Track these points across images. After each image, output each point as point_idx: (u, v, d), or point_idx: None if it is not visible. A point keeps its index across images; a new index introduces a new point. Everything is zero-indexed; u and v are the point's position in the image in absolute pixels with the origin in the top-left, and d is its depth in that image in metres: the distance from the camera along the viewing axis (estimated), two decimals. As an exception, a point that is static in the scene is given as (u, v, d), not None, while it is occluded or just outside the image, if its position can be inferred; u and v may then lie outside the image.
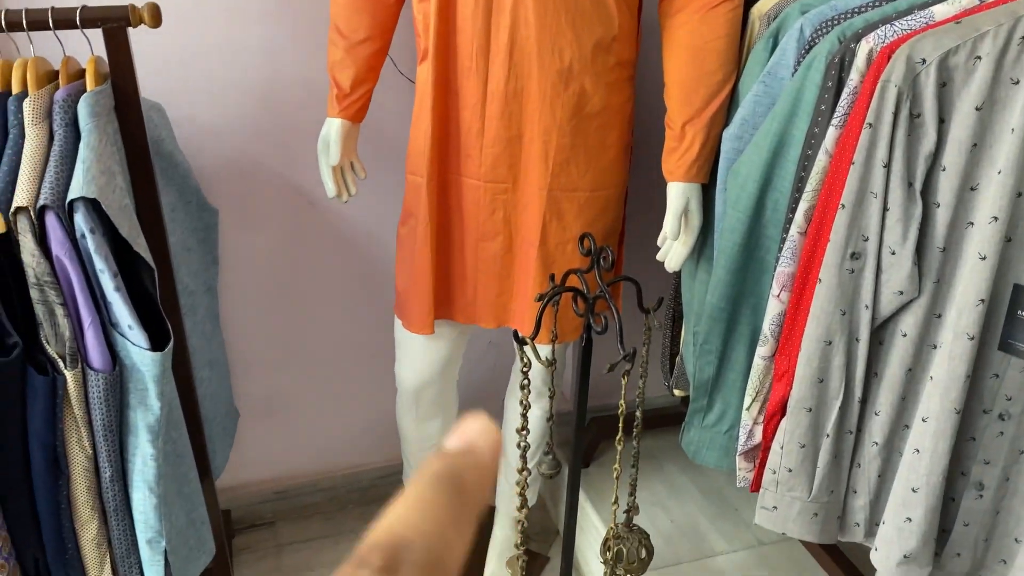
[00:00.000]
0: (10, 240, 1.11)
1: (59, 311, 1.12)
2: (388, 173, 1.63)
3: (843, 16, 1.10)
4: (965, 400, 1.03)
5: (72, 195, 1.08)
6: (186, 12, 1.48)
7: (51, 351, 1.14)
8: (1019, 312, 1.01)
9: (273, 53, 1.56)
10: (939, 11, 1.00)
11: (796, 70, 1.14)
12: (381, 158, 1.62)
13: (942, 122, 0.98)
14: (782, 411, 1.16)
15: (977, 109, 0.95)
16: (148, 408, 1.20)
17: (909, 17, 1.01)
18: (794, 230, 1.11)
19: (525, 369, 1.11)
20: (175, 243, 1.41)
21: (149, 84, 1.35)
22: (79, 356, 1.15)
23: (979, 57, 0.94)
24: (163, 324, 1.21)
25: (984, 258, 0.98)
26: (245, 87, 1.57)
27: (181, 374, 1.32)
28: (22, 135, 1.14)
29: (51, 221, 1.09)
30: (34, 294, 1.11)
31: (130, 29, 1.20)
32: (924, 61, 0.95)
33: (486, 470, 0.26)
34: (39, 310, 1.12)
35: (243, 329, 1.77)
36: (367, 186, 1.59)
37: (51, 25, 1.16)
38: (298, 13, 1.54)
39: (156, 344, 1.18)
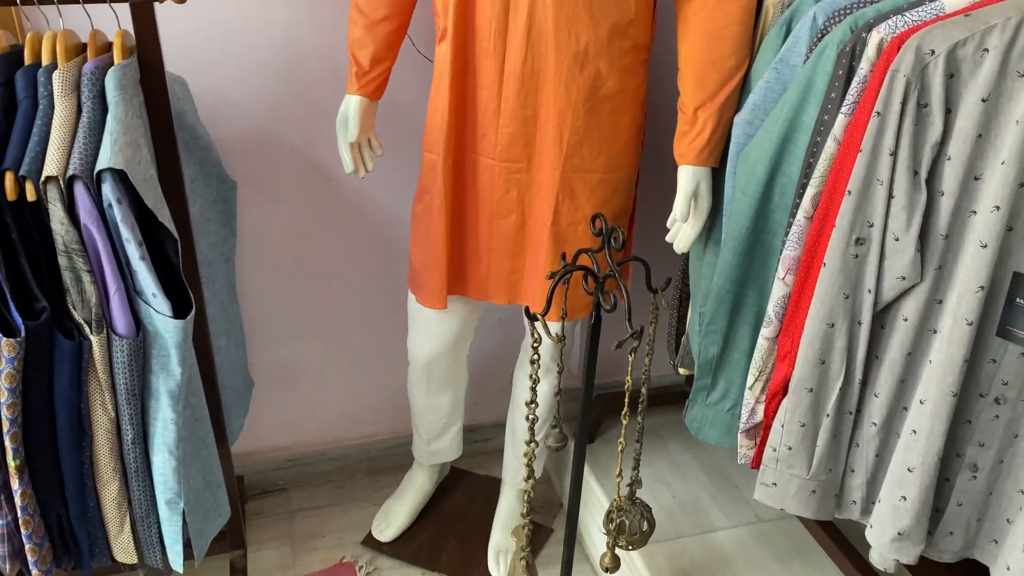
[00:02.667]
0: (39, 208, 1.14)
1: (86, 278, 1.16)
2: (404, 149, 1.66)
3: (856, 5, 1.12)
4: (962, 384, 1.06)
5: (100, 166, 1.12)
6: (210, -13, 1.51)
7: (77, 316, 1.18)
8: (1018, 299, 1.04)
9: (294, 29, 1.59)
10: (949, 3, 1.02)
11: (808, 57, 1.16)
12: (397, 135, 1.64)
13: (948, 112, 1.00)
14: (784, 391, 1.19)
15: (983, 100, 0.97)
16: (170, 374, 1.24)
17: (920, 8, 1.03)
18: (801, 215, 1.14)
19: (535, 345, 1.15)
20: (195, 214, 1.45)
21: (173, 58, 1.38)
22: (104, 322, 1.19)
23: (987, 49, 0.96)
24: (185, 293, 1.25)
25: (985, 246, 1.00)
26: (266, 62, 1.60)
27: (200, 342, 1.36)
28: (51, 106, 1.17)
29: (80, 191, 1.13)
30: (62, 261, 1.15)
31: (156, 4, 1.23)
32: (933, 52, 0.97)
33: None
34: (67, 277, 1.16)
35: (259, 300, 1.81)
36: (383, 162, 1.62)
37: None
38: (319, -7, 1.57)
39: (178, 312, 1.21)
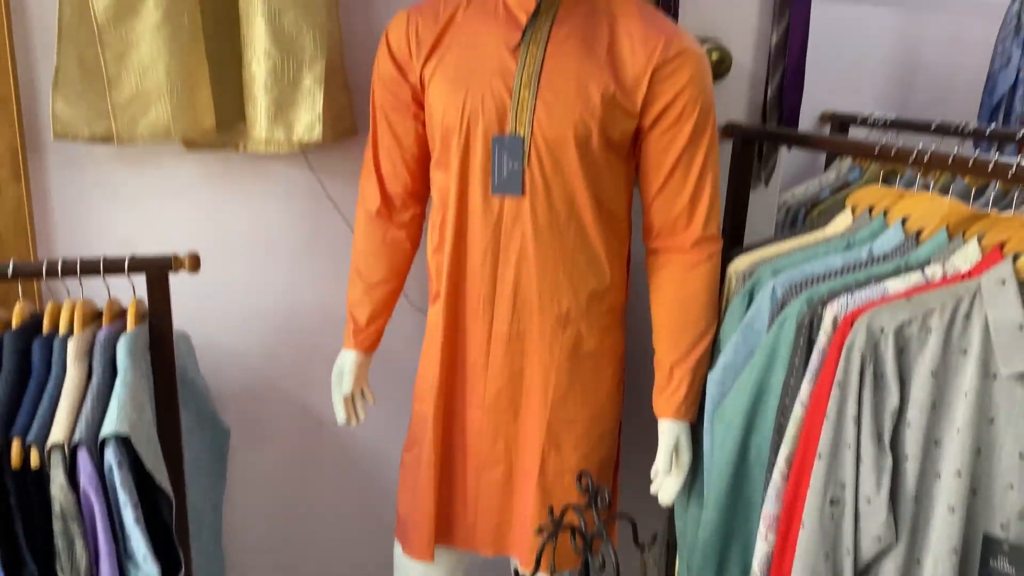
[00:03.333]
0: (41, 473, 1.18)
1: (78, 543, 1.17)
2: (395, 397, 1.72)
3: (810, 281, 1.24)
4: (949, 647, 1.07)
5: (105, 431, 1.17)
6: (220, 249, 1.63)
7: (64, 581, 1.17)
8: (991, 560, 1.07)
9: (295, 285, 1.71)
10: (892, 286, 1.14)
11: (771, 324, 1.27)
12: (389, 383, 1.72)
13: (903, 383, 1.09)
14: (775, 652, 1.19)
15: (932, 374, 1.06)
16: (152, 638, 1.21)
17: (867, 289, 1.15)
18: (776, 474, 1.19)
19: (525, 607, 1.15)
20: (188, 462, 1.48)
21: (178, 314, 1.47)
22: (92, 587, 1.18)
23: (930, 329, 1.06)
24: (173, 552, 1.25)
25: (953, 510, 1.05)
26: (267, 316, 1.70)
27: (184, 601, 1.34)
28: (63, 372, 1.24)
29: (83, 457, 1.17)
30: (56, 526, 1.16)
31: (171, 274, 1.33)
32: (883, 330, 1.08)
33: None
34: (59, 541, 1.17)
35: (244, 546, 1.79)
36: (374, 410, 1.68)
37: (102, 271, 1.29)
38: (322, 253, 1.70)
39: (166, 570, 1.21)
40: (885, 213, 1.28)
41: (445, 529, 1.50)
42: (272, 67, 1.44)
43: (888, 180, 1.66)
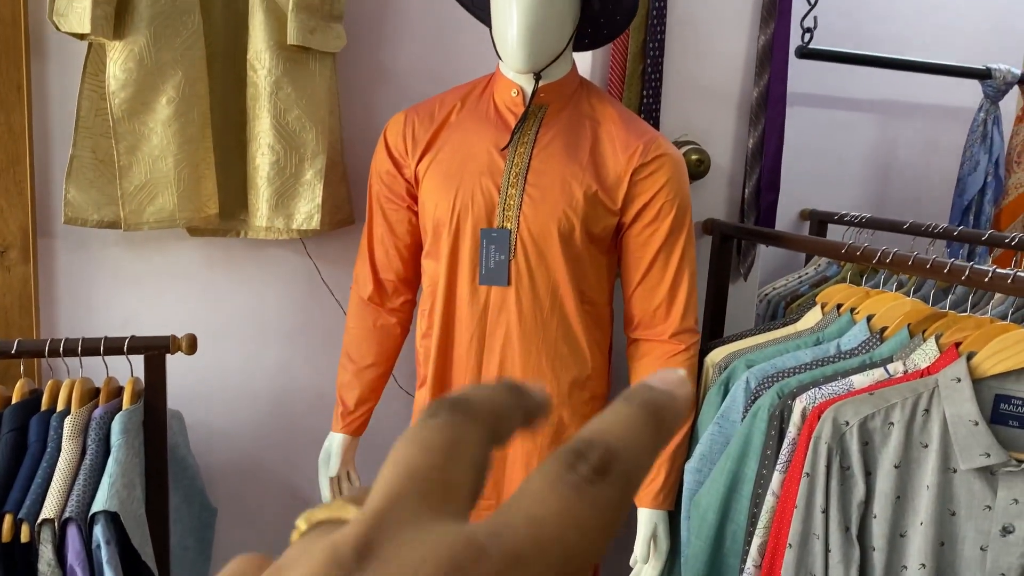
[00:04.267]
0: (29, 547, 1.20)
1: (62, 619, 1.18)
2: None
3: (782, 374, 1.30)
4: None
5: (96, 508, 1.20)
6: (216, 330, 1.69)
7: (45, 659, 1.18)
8: (959, 654, 1.09)
9: (288, 367, 1.76)
10: (856, 380, 1.19)
11: (745, 415, 1.31)
12: (375, 464, 1.75)
13: (869, 475, 1.13)
14: None
15: (896, 467, 1.11)
16: None
17: (834, 383, 1.20)
18: (749, 563, 1.22)
19: None
20: (174, 544, 1.50)
21: (172, 393, 1.52)
22: (71, 665, 1.19)
23: (892, 423, 1.11)
24: (155, 631, 1.26)
25: (919, 602, 1.08)
26: (258, 397, 1.74)
27: None
28: (59, 448, 1.28)
29: (72, 533, 1.19)
30: (42, 602, 1.18)
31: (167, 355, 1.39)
32: (848, 423, 1.12)
33: (680, 418, 0.27)
34: (43, 618, 1.18)
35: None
36: (360, 491, 1.70)
37: (102, 352, 1.34)
38: (315, 336, 1.76)
39: (146, 653, 1.23)
40: (853, 311, 1.35)
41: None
42: (275, 160, 1.53)
43: (865, 275, 1.73)
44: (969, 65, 2.07)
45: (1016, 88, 2.09)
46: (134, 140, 1.46)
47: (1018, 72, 2.04)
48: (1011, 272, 1.05)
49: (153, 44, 1.43)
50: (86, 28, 1.36)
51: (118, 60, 1.42)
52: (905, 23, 2.34)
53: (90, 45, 1.46)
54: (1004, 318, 1.30)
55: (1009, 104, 2.17)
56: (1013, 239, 1.67)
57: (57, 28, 1.39)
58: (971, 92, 2.19)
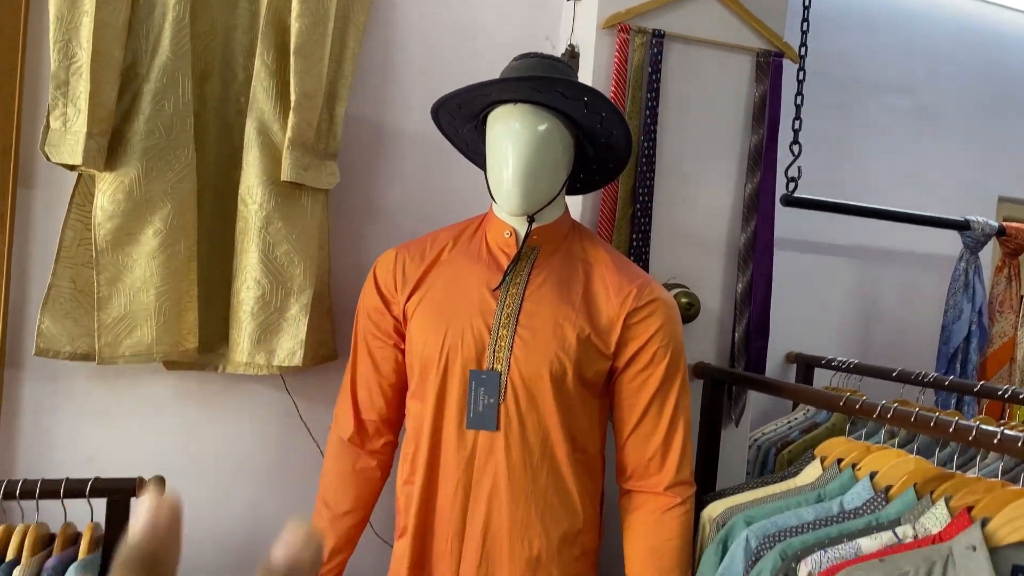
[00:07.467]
0: None
1: None
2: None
3: (784, 533, 1.24)
4: None
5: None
6: (186, 468, 1.60)
7: None
8: None
9: (259, 509, 1.66)
10: (864, 544, 1.13)
11: (746, 574, 1.24)
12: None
13: (883, 650, 1.05)
14: None
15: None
16: None
17: (840, 546, 1.14)
18: None
19: None
20: None
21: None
22: None
23: (905, 593, 1.05)
24: None
25: None
26: (228, 539, 1.64)
27: None
28: (4, 600, 1.17)
29: None
30: None
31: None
32: (858, 592, 1.06)
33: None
34: None
35: None
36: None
37: (61, 495, 1.25)
38: (289, 476, 1.67)
39: None
40: (854, 467, 1.30)
41: None
42: (261, 295, 1.49)
43: (854, 423, 1.70)
44: (947, 216, 2.12)
45: (994, 240, 2.13)
46: (116, 271, 1.43)
47: (995, 225, 2.10)
48: (1021, 435, 1.02)
49: (144, 177, 1.42)
50: (78, 160, 1.35)
51: (107, 191, 1.40)
52: (884, 175, 2.42)
53: (79, 175, 1.45)
54: (1007, 473, 1.26)
55: (987, 255, 2.21)
56: (1006, 391, 1.66)
57: (48, 159, 1.38)
58: (948, 241, 2.25)
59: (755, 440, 1.90)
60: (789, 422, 1.93)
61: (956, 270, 2.10)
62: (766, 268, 1.74)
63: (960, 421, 1.11)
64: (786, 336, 2.28)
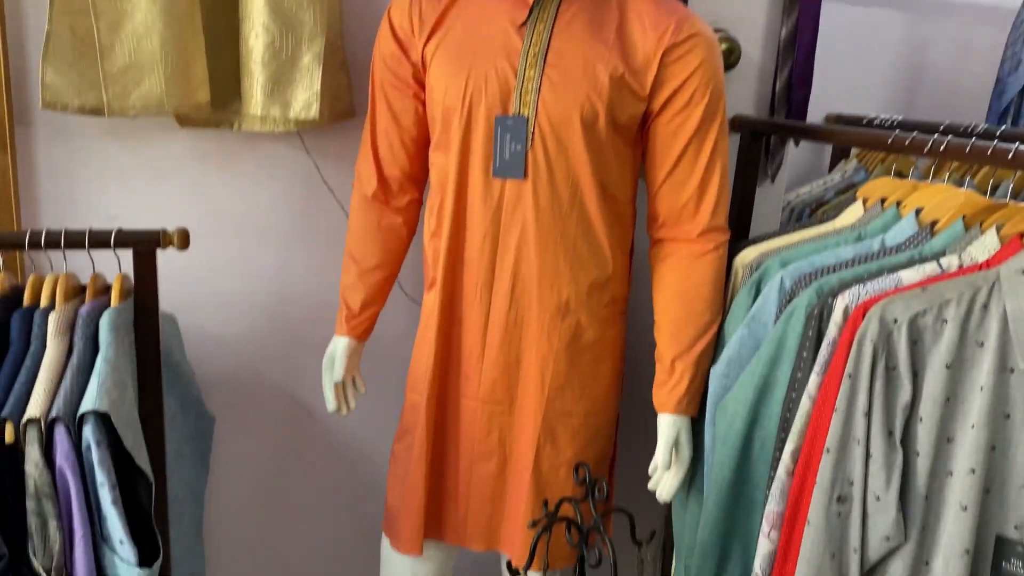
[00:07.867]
0: (14, 450, 1.12)
1: (52, 523, 1.12)
2: (386, 387, 1.68)
3: (820, 272, 1.21)
4: (958, 651, 1.03)
5: (85, 407, 1.12)
6: (210, 230, 1.58)
7: (36, 564, 1.12)
8: (1003, 563, 1.03)
9: (287, 270, 1.66)
10: (906, 276, 1.10)
11: (778, 317, 1.23)
12: (381, 373, 1.67)
13: (916, 376, 1.05)
14: (776, 655, 1.14)
15: (947, 367, 1.02)
16: (128, 625, 1.16)
17: (880, 279, 1.11)
18: (781, 470, 1.15)
19: (517, 601, 1.10)
20: (170, 451, 1.42)
21: (164, 295, 1.42)
22: (65, 571, 1.13)
23: (945, 320, 1.02)
24: (152, 538, 1.20)
25: (966, 509, 1.01)
26: (256, 302, 1.65)
27: (162, 589, 1.29)
28: (43, 346, 1.19)
29: (60, 433, 1.12)
30: (30, 505, 1.11)
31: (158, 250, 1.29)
32: (896, 321, 1.04)
33: None
34: (32, 522, 1.11)
35: (226, 538, 1.73)
36: (365, 400, 1.63)
37: (87, 244, 1.24)
38: (315, 237, 1.66)
39: (143, 557, 1.16)
40: (898, 204, 1.25)
41: (435, 523, 1.46)
42: (270, 41, 1.40)
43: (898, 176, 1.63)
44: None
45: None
46: (116, 16, 1.33)
47: (1068, -36, 1.90)
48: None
49: (133, -94, 1.28)
50: None
51: (95, -77, 1.28)
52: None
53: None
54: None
55: (1054, 1, 2.03)
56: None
57: None
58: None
59: (788, 202, 1.84)
60: (825, 183, 1.86)
61: (1018, 16, 1.93)
62: (814, 11, 1.60)
63: (1022, 147, 1.03)
64: (825, 99, 2.15)
